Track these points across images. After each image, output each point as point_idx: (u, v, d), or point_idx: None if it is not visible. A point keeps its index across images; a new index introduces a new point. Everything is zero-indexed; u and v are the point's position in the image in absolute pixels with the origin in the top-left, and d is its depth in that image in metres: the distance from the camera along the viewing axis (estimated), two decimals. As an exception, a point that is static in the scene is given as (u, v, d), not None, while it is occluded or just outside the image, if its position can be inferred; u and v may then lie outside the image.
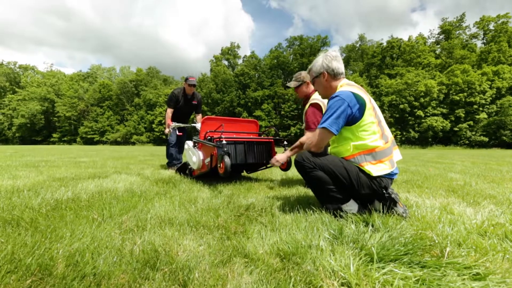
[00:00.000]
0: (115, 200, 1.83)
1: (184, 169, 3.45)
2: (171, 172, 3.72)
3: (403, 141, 35.98)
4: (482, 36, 41.44)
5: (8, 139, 59.34)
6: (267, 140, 2.76)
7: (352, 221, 1.47)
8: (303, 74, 2.58)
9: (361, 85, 33.93)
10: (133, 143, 49.90)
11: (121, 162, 5.29)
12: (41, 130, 57.15)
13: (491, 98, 32.33)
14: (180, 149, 4.49)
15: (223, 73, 44.85)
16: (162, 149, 18.92)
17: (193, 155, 2.73)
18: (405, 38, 43.04)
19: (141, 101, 51.44)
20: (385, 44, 43.77)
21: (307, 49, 47.81)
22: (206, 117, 2.74)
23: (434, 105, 33.57)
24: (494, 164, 5.68)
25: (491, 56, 35.46)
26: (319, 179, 1.54)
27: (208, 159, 2.51)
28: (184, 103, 4.36)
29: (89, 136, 52.54)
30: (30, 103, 54.94)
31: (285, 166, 2.62)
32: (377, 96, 37.78)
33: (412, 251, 1.06)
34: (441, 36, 43.81)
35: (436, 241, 1.19)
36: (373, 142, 1.53)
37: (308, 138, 2.14)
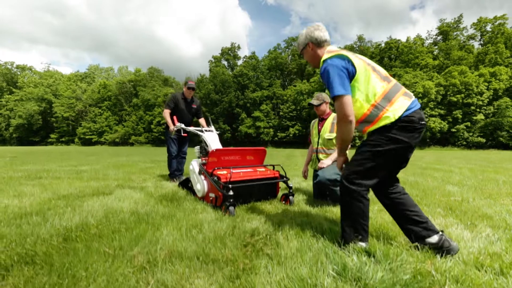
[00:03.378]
0: (123, 226, 1.88)
1: (186, 184, 3.49)
2: (173, 185, 3.76)
3: (401, 142, 36.05)
4: (479, 38, 41.70)
5: (6, 140, 59.01)
6: (273, 176, 2.81)
7: (354, 251, 1.53)
8: (324, 95, 3.06)
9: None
10: (132, 144, 49.80)
11: (122, 172, 5.32)
12: (38, 130, 56.88)
13: (488, 100, 32.56)
14: (181, 159, 4.53)
15: (222, 73, 44.81)
16: (161, 152, 18.92)
17: (198, 183, 2.76)
18: (405, 36, 43.31)
19: (140, 101, 51.30)
20: (383, 45, 43.93)
21: (305, 49, 47.88)
22: (214, 150, 2.76)
23: (432, 106, 33.74)
24: (491, 172, 5.77)
25: (488, 58, 35.70)
26: (358, 210, 1.55)
27: (213, 195, 2.55)
28: (185, 107, 4.40)
29: (87, 137, 52.36)
30: (28, 104, 54.66)
31: (288, 203, 2.69)
32: (375, 97, 37.90)
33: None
34: (438, 37, 44.03)
35: (435, 278, 1.24)
36: (378, 87, 1.52)
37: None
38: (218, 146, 3.35)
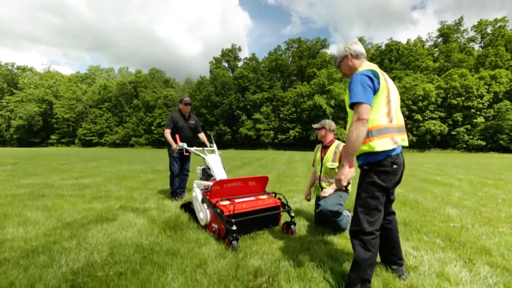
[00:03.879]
0: (129, 267, 1.92)
1: (188, 207, 3.53)
2: (176, 206, 3.80)
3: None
4: (480, 40, 41.72)
5: (6, 141, 59.10)
6: (275, 205, 2.85)
7: (355, 298, 1.56)
8: (327, 121, 3.09)
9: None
10: (132, 145, 49.85)
11: (124, 187, 5.36)
12: (39, 131, 56.96)
13: (488, 103, 32.58)
14: (184, 176, 4.57)
15: (222, 75, 44.86)
16: (162, 155, 18.96)
17: (201, 211, 2.79)
18: (406, 37, 43.44)
19: (140, 102, 51.36)
20: (383, 47, 43.98)
21: (305, 51, 47.92)
22: (218, 180, 2.79)
23: (432, 109, 33.78)
24: (491, 186, 5.80)
25: (488, 60, 35.73)
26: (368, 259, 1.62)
27: (216, 226, 2.59)
28: (185, 124, 4.45)
29: (87, 138, 52.43)
30: (28, 105, 54.75)
31: (290, 232, 2.72)
32: (375, 100, 37.95)
33: None
34: (439, 39, 44.05)
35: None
36: (380, 119, 1.61)
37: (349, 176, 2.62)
38: (221, 171, 3.39)
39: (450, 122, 33.48)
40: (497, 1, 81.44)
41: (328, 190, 2.83)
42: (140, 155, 19.55)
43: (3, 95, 59.46)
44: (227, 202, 2.66)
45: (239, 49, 54.01)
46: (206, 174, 3.61)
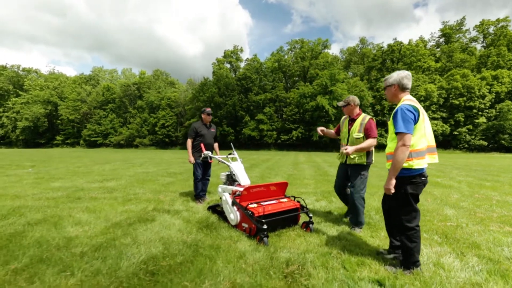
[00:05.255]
0: (185, 259, 2.38)
1: (214, 208, 4.00)
2: (202, 208, 4.26)
3: (403, 145, 36.43)
4: (482, 40, 41.89)
5: (12, 142, 59.96)
6: (296, 207, 3.32)
7: (369, 280, 2.02)
8: (351, 97, 3.41)
9: (363, 89, 34.11)
10: (136, 146, 50.46)
11: (149, 190, 5.83)
12: (44, 133, 57.74)
13: (490, 103, 32.85)
14: (206, 181, 5.03)
15: (226, 77, 45.35)
16: (169, 158, 19.44)
17: (231, 213, 3.25)
18: (407, 35, 43.80)
19: (144, 103, 51.96)
20: (385, 47, 44.24)
21: (308, 52, 48.25)
22: (247, 186, 3.25)
23: (434, 109, 34.09)
24: (488, 188, 6.22)
25: (490, 60, 35.95)
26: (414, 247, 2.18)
27: (246, 225, 3.04)
28: (207, 132, 4.92)
29: (92, 139, 53.11)
30: (34, 106, 55.51)
31: (309, 230, 3.17)
32: (377, 100, 38.28)
33: (413, 317, 1.61)
34: (441, 39, 44.25)
35: (430, 306, 1.73)
36: (419, 144, 2.13)
37: (371, 143, 3.18)
38: (245, 176, 3.86)
39: (452, 123, 33.76)
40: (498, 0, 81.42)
41: (349, 148, 3.06)
42: (148, 157, 20.05)
43: (9, 96, 60.29)
44: (255, 205, 3.12)
45: (241, 50, 54.46)
46: (231, 179, 4.07)
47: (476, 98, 32.76)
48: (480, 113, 33.05)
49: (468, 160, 18.10)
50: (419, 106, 2.16)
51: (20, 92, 59.12)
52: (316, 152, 33.01)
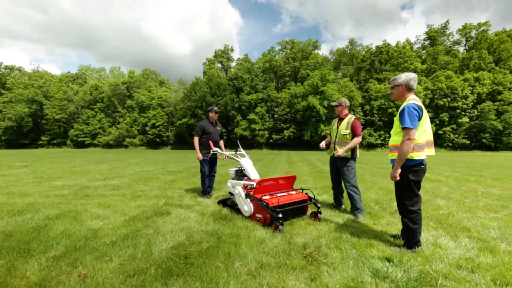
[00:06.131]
0: (210, 245, 2.60)
1: (225, 203, 4.21)
2: (212, 202, 4.46)
3: (391, 144, 37.60)
4: (465, 43, 43.72)
5: (-6, 142, 57.69)
6: (305, 198, 3.59)
7: (379, 258, 2.30)
8: (343, 99, 3.93)
9: (352, 90, 34.80)
10: (126, 146, 49.65)
11: (154, 187, 5.96)
12: (28, 133, 55.84)
13: (472, 103, 34.40)
14: (212, 177, 5.22)
15: (217, 76, 45.31)
16: (162, 157, 19.37)
17: (245, 205, 3.48)
18: (395, 36, 45.03)
19: (134, 103, 51.17)
20: (374, 49, 45.40)
21: (298, 53, 48.86)
22: (259, 180, 3.49)
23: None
24: (473, 182, 6.71)
25: (472, 63, 37.60)
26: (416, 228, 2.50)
27: (260, 216, 3.28)
28: (213, 130, 5.11)
29: (79, 139, 51.86)
30: (17, 106, 53.58)
31: (318, 219, 3.44)
32: (366, 100, 39.27)
33: (419, 283, 1.89)
34: (427, 42, 45.85)
35: (433, 275, 2.02)
36: (421, 138, 2.43)
37: (357, 141, 3.73)
38: (255, 171, 4.09)
39: (437, 122, 35.12)
40: (482, 3, 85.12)
41: (340, 151, 3.74)
42: (142, 157, 19.91)
43: (-10, 95, 57.91)
44: (268, 197, 3.36)
45: (232, 49, 54.54)
46: (240, 174, 4.29)
47: (459, 99, 34.23)
48: (463, 113, 34.56)
49: (453, 157, 19.00)
50: (422, 105, 2.48)
51: (2, 91, 56.89)
52: (308, 151, 33.56)
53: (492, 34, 40.40)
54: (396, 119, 2.59)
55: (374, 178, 7.53)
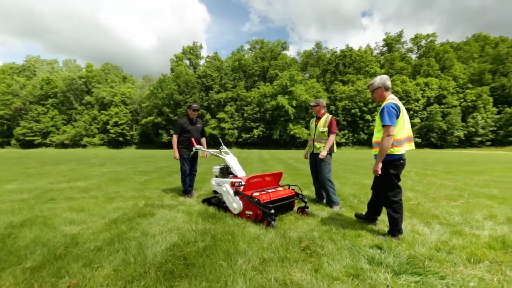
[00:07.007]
0: (206, 244, 2.54)
1: (210, 201, 4.14)
2: (196, 201, 4.35)
3: (354, 142, 40.13)
4: (416, 51, 48.33)
5: None
6: (292, 194, 3.68)
7: (370, 246, 2.47)
8: (321, 100, 4.22)
9: (319, 90, 36.25)
10: (84, 146, 45.77)
11: (129, 188, 5.61)
12: (-38, 131, 48.50)
13: (423, 106, 38.20)
14: (192, 176, 5.07)
15: (185, 73, 43.94)
16: (128, 157, 18.31)
17: (234, 202, 3.44)
18: (357, 41, 48.08)
19: (93, 99, 47.31)
20: (338, 52, 47.96)
21: (267, 53, 49.59)
22: (250, 176, 3.48)
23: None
24: (430, 176, 7.48)
25: (422, 69, 41.74)
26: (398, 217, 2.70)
27: (251, 212, 3.28)
28: (193, 127, 4.96)
29: (27, 138, 46.48)
30: None
31: (305, 214, 3.56)
32: (332, 101, 41.34)
33: (410, 266, 2.08)
34: (384, 48, 49.74)
35: (419, 258, 2.23)
36: (399, 134, 2.63)
37: (333, 138, 4.02)
38: (240, 168, 4.08)
39: (394, 122, 38.31)
40: (429, 15, 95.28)
41: (323, 152, 3.97)
42: (105, 157, 18.52)
43: None
44: (258, 193, 3.38)
45: (201, 47, 53.38)
46: (225, 172, 4.24)
47: (412, 101, 37.77)
48: (415, 114, 38.20)
49: (409, 155, 20.92)
50: (400, 104, 2.70)
51: None
52: (277, 150, 34.27)
53: (438, 44, 45.32)
54: (377, 118, 2.81)
55: (346, 174, 7.98)
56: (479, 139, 36.77)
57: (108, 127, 45.02)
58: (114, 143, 46.44)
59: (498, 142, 36.43)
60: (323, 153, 3.97)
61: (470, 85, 39.08)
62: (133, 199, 4.55)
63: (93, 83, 49.01)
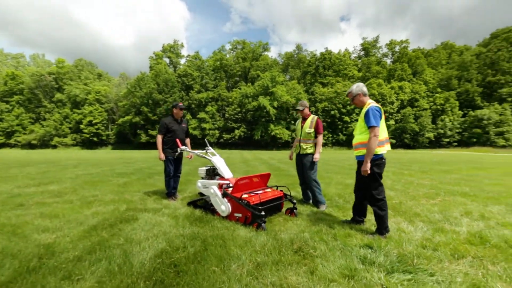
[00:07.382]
0: (197, 249, 2.44)
1: (195, 204, 4.01)
2: (181, 204, 4.20)
3: (334, 143, 41.28)
4: (391, 56, 50.73)
5: None
6: (281, 195, 3.66)
7: (360, 246, 2.50)
8: (304, 102, 4.31)
9: (300, 92, 36.85)
10: (55, 146, 43.00)
11: (108, 191, 5.31)
12: None
13: (397, 108, 40.14)
14: (177, 178, 4.89)
15: (165, 72, 42.75)
16: (106, 156, 17.45)
17: (222, 205, 3.35)
18: (336, 45, 49.43)
19: (65, 97, 44.59)
20: (318, 55, 49.09)
21: (249, 53, 49.60)
22: (239, 178, 3.40)
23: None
24: (407, 175, 7.84)
25: (396, 73, 43.86)
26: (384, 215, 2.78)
27: (240, 215, 3.20)
28: (178, 127, 4.79)
29: (-12, 139, 42.80)
30: None
31: (294, 215, 3.55)
32: (312, 103, 42.22)
33: (401, 264, 2.13)
34: (362, 52, 51.70)
35: (408, 255, 2.30)
36: (381, 135, 2.76)
37: (321, 138, 4.10)
38: (227, 170, 3.99)
39: (370, 124, 39.92)
40: (403, 22, 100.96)
41: (317, 155, 4.04)
42: (79, 158, 17.48)
43: None
44: (247, 195, 3.32)
45: (182, 45, 52.27)
46: (211, 173, 4.13)
47: (387, 104, 39.55)
48: (390, 116, 40.03)
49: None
50: (380, 107, 2.83)
51: None
52: (259, 151, 34.37)
53: (410, 50, 47.91)
54: (360, 120, 2.91)
55: (329, 174, 8.15)
56: (447, 140, 39.35)
57: (82, 126, 42.63)
58: (88, 144, 44.09)
59: (463, 143, 39.22)
60: (317, 156, 4.05)
61: (439, 90, 41.72)
62: (113, 203, 4.30)
63: (64, 79, 46.18)
